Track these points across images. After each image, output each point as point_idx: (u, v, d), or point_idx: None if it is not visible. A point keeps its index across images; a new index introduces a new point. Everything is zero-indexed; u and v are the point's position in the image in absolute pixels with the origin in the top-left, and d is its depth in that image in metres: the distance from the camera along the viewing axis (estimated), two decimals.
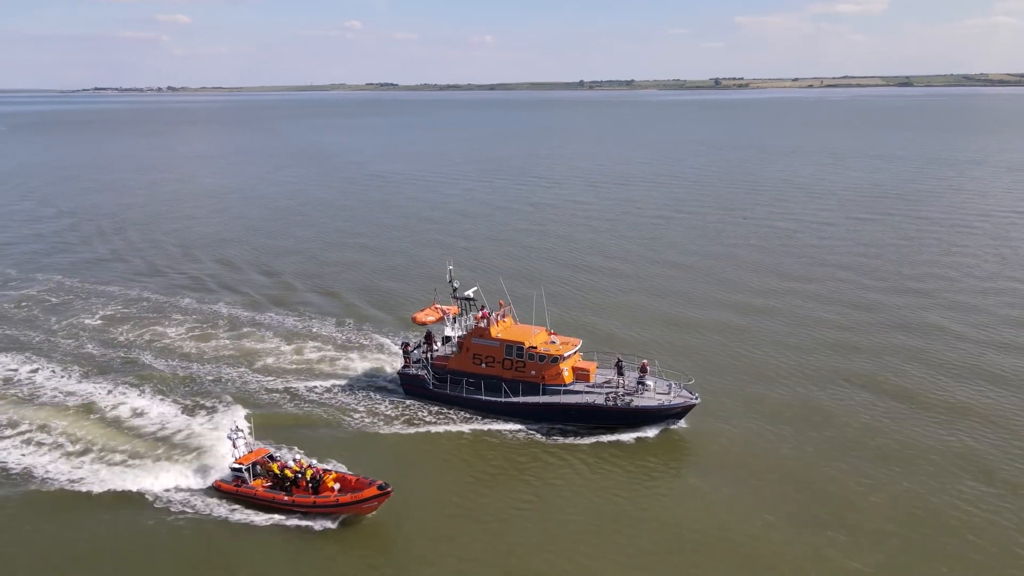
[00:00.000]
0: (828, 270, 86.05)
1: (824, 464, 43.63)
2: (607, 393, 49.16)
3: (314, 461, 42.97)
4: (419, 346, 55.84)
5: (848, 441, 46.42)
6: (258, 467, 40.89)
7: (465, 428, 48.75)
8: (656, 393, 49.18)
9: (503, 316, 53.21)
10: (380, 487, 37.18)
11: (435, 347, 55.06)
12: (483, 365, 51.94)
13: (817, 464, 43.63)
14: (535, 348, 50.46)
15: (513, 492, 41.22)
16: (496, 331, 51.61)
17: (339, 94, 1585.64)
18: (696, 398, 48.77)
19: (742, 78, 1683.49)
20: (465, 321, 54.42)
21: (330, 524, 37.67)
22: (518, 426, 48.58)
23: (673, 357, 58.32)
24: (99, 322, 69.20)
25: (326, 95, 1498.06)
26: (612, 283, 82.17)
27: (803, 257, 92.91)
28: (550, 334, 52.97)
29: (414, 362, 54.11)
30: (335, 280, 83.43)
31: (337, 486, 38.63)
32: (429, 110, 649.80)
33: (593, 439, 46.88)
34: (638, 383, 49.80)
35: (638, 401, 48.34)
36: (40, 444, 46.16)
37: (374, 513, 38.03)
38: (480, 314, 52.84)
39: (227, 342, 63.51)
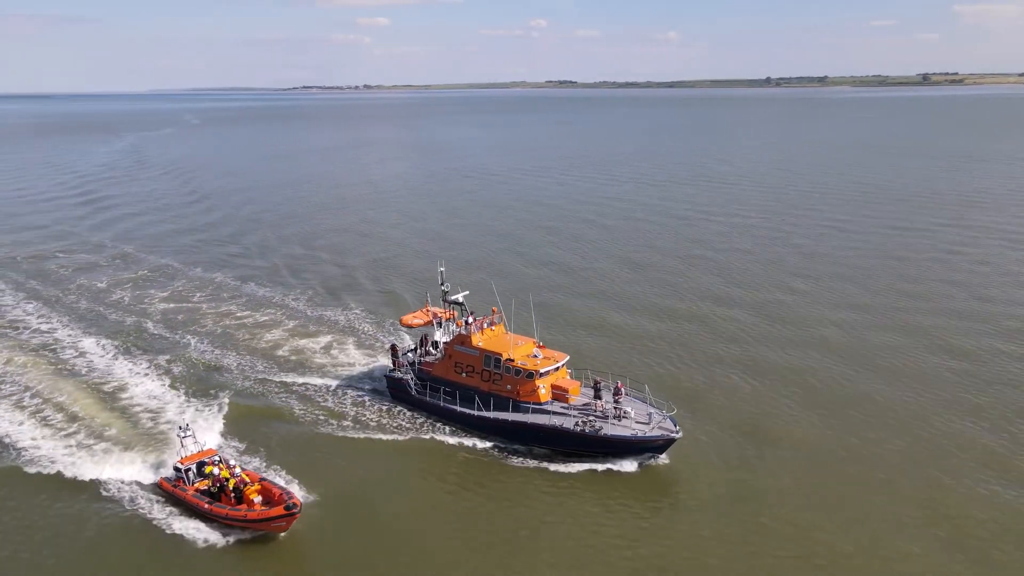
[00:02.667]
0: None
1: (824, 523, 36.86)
2: (580, 417, 44.88)
3: (258, 467, 42.42)
4: (414, 349, 54.45)
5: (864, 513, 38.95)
6: (204, 468, 40.33)
7: (437, 440, 46.22)
8: (635, 421, 44.11)
9: (491, 324, 50.31)
10: (287, 508, 35.42)
11: (432, 351, 53.38)
12: (463, 374, 49.23)
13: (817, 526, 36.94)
14: (512, 361, 46.89)
15: (454, 521, 38.21)
16: (477, 339, 48.64)
17: (519, 91, 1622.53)
18: (677, 432, 43.06)
19: (956, 73, 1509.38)
20: (452, 326, 52.13)
21: (246, 536, 36.51)
22: (492, 444, 45.33)
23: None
24: (164, 302, 74.34)
25: (506, 92, 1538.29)
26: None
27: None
28: (539, 347, 49.30)
29: (407, 365, 52.83)
30: (381, 269, 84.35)
31: (258, 499, 37.40)
32: (596, 107, 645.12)
33: (565, 466, 42.49)
34: (615, 407, 45.03)
35: (610, 429, 43.53)
36: (28, 412, 49.71)
37: (284, 534, 36.43)
38: (468, 320, 50.31)
39: (268, 332, 65.32)
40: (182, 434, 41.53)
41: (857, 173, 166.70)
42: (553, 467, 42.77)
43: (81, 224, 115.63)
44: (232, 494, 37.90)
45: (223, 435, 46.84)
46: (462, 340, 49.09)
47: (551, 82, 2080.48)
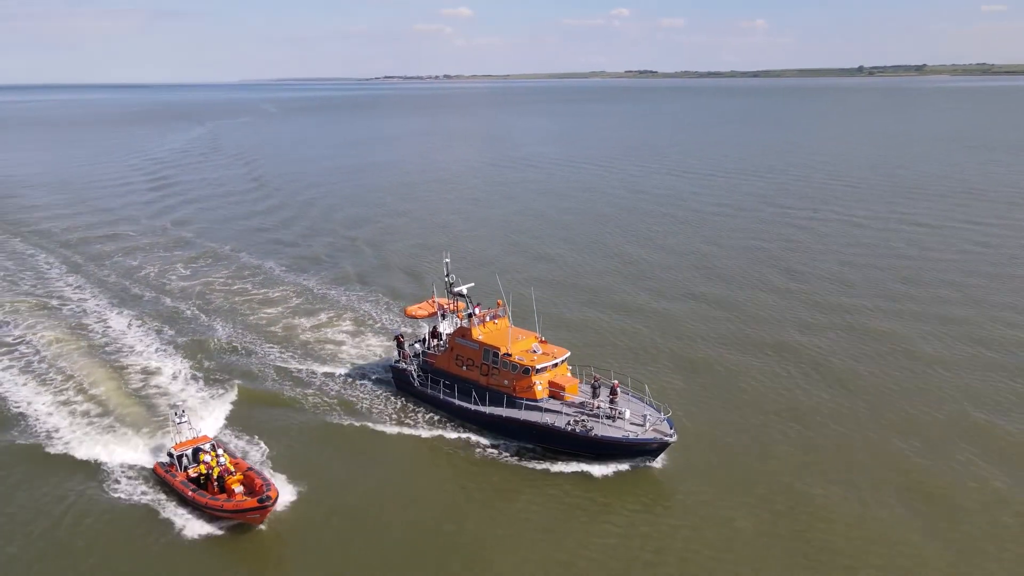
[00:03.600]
0: None
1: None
2: (574, 416, 43.41)
3: (253, 454, 42.63)
4: (423, 340, 53.99)
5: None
6: (199, 455, 40.36)
7: (435, 434, 45.37)
8: (630, 422, 42.37)
9: (494, 317, 49.26)
10: (260, 500, 35.22)
11: (438, 343, 52.80)
12: (464, 367, 48.42)
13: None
14: (509, 355, 45.78)
15: (437, 517, 37.28)
16: (477, 332, 47.70)
17: (597, 81, 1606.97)
18: (672, 435, 41.08)
19: None
20: (456, 319, 51.30)
21: (229, 525, 36.32)
22: (489, 439, 44.32)
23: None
24: (203, 285, 76.08)
25: (583, 82, 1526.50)
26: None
27: None
28: (540, 342, 48.01)
29: (412, 356, 52.48)
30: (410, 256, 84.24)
31: (240, 488, 37.35)
32: (674, 97, 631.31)
33: (555, 466, 41.12)
34: (610, 407, 43.37)
35: (602, 429, 41.86)
36: (45, 385, 51.73)
37: (262, 525, 36.20)
38: (470, 312, 49.44)
39: (293, 319, 66.18)
40: (177, 420, 41.88)
41: (934, 167, 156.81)
42: (543, 466, 41.51)
43: (145, 208, 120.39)
44: (215, 483, 38.04)
45: (227, 420, 47.28)
46: (463, 333, 48.28)
47: (631, 72, 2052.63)
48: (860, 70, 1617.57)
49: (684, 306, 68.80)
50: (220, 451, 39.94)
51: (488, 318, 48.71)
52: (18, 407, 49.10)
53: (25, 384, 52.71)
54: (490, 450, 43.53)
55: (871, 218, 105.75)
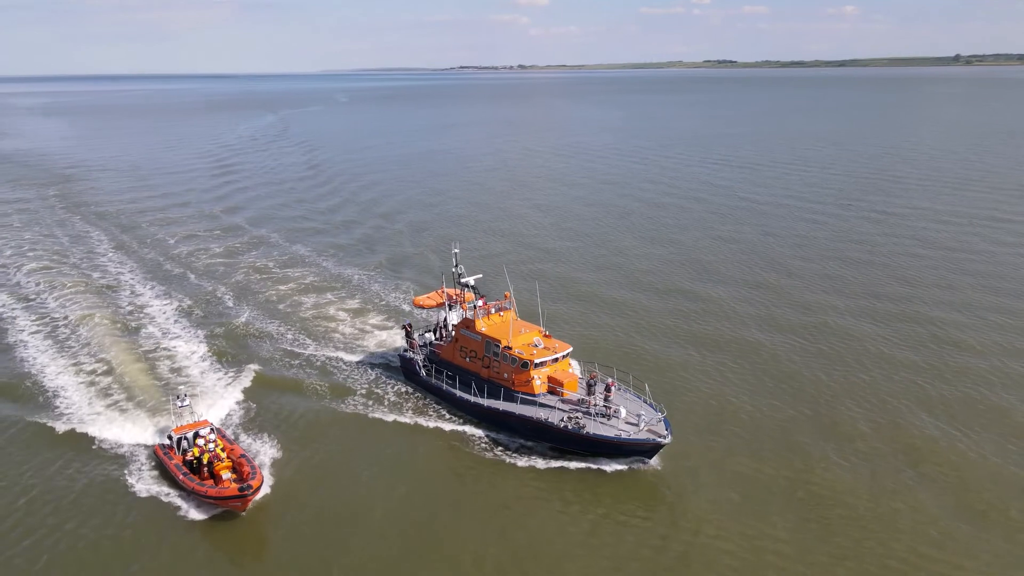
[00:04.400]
0: None
1: None
2: (569, 412, 42.13)
3: (255, 439, 42.77)
4: (433, 329, 53.58)
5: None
6: (196, 439, 40.48)
7: (434, 426, 44.77)
8: (625, 421, 40.83)
9: (499, 309, 48.31)
10: (240, 489, 35.21)
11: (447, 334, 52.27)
12: (467, 359, 47.60)
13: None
14: (510, 349, 44.74)
15: (425, 509, 36.75)
16: (481, 325, 46.78)
17: (673, 71, 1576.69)
18: (666, 436, 39.25)
19: None
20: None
21: (217, 511, 36.48)
22: (489, 434, 43.37)
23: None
24: (243, 271, 77.54)
25: (659, 72, 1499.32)
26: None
27: None
28: (544, 336, 46.82)
29: (421, 346, 52.18)
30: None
31: (228, 475, 37.43)
32: (753, 87, 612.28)
33: (547, 463, 40.02)
34: (605, 405, 41.89)
35: (595, 427, 40.47)
36: (70, 360, 53.53)
37: (244, 513, 36.19)
38: (476, 304, 48.70)
39: (320, 307, 66.67)
40: (179, 404, 42.40)
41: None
42: (541, 463, 40.38)
43: (202, 193, 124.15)
44: (205, 468, 38.22)
45: (237, 404, 47.72)
46: (467, 324, 47.52)
47: (709, 62, 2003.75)
48: (956, 59, 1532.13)
49: (690, 303, 66.26)
50: (214, 436, 40.12)
51: (493, 310, 47.84)
52: (40, 378, 51.16)
53: (51, 355, 55.00)
54: (487, 445, 42.59)
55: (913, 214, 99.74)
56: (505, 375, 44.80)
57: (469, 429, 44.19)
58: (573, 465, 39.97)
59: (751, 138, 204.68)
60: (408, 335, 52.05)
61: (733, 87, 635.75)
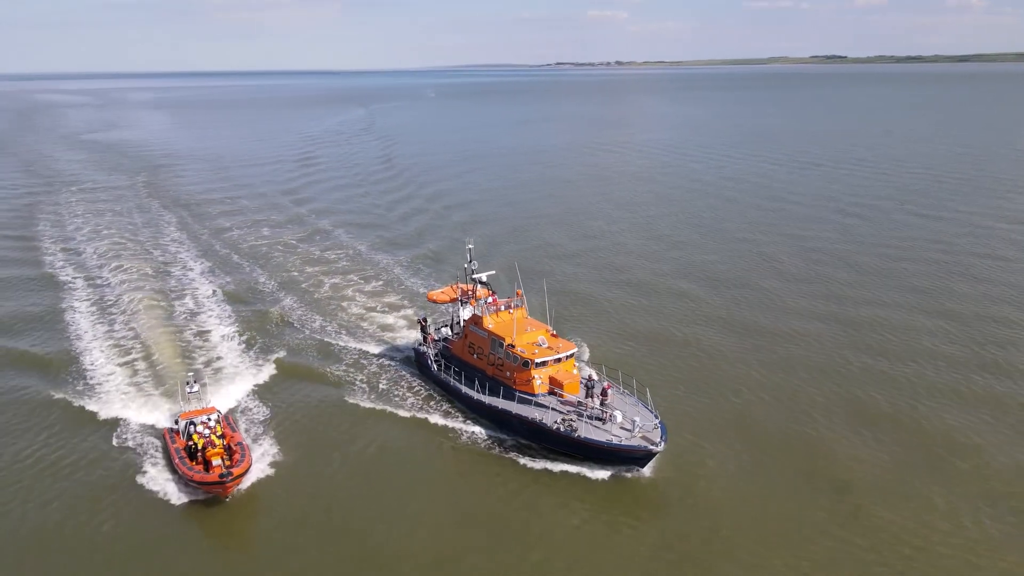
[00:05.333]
0: None
1: None
2: (565, 414, 40.78)
3: (262, 426, 43.41)
4: (450, 324, 53.13)
5: None
6: (198, 425, 40.76)
7: (437, 422, 44.23)
8: (620, 426, 39.14)
9: (509, 307, 47.30)
10: (221, 476, 35.80)
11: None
12: (475, 355, 47.00)
13: None
14: (512, 347, 43.81)
15: (414, 504, 36.47)
16: (488, 321, 46.04)
17: (777, 68, 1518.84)
18: (659, 445, 37.41)
19: None
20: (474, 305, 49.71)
21: (200, 497, 37.01)
22: (493, 432, 42.55)
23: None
24: (295, 260, 79.50)
25: (761, 69, 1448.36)
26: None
27: None
28: (552, 336, 45.55)
29: (436, 340, 51.89)
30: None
31: (218, 461, 37.69)
32: (865, 83, 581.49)
33: (544, 464, 39.07)
34: (600, 408, 40.37)
35: (588, 431, 38.99)
36: (108, 336, 56.47)
37: (228, 498, 36.62)
38: (486, 300, 47.96)
39: (358, 298, 67.20)
40: (188, 389, 43.33)
41: None
42: (538, 464, 39.39)
43: (274, 183, 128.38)
44: (199, 452, 38.67)
45: (255, 388, 48.70)
46: (476, 320, 46.90)
47: (816, 57, 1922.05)
48: None
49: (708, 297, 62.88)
50: (213, 424, 40.61)
51: (503, 307, 46.96)
52: (76, 350, 54.10)
53: (93, 327, 58.31)
54: (488, 444, 41.76)
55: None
56: (508, 373, 43.97)
57: (472, 427, 43.46)
58: (573, 469, 38.68)
59: (837, 136, 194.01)
60: (423, 329, 51.84)
61: (843, 83, 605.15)
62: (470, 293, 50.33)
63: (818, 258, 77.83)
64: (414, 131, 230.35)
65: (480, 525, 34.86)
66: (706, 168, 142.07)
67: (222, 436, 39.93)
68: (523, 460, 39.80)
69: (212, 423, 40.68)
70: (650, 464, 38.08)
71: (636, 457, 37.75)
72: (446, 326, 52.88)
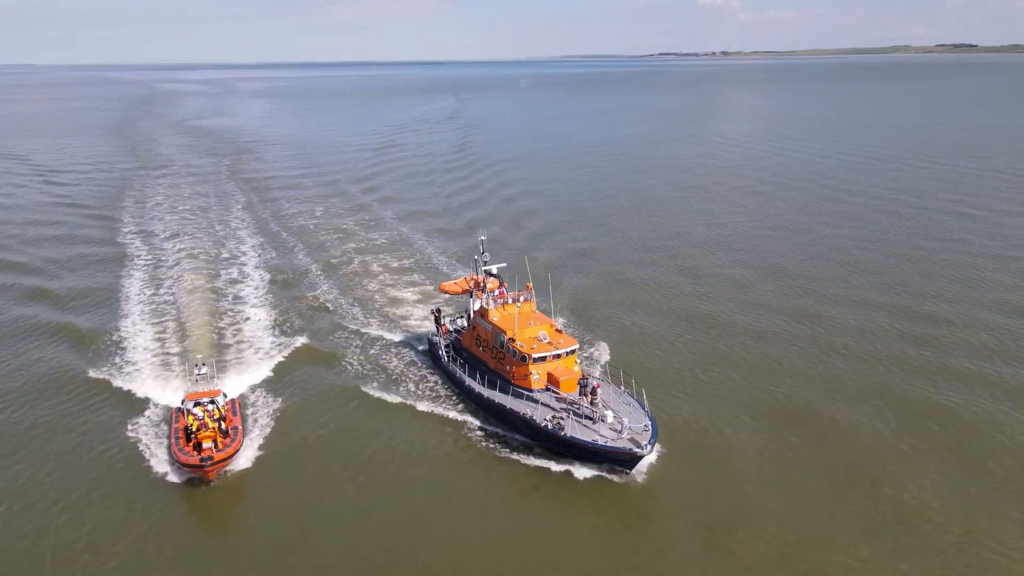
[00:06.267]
0: None
1: None
2: (557, 411, 39.66)
3: (267, 408, 44.13)
4: (465, 315, 52.73)
5: None
6: (196, 407, 41.43)
7: (439, 413, 43.96)
8: (610, 427, 37.73)
9: (516, 300, 46.37)
10: (201, 460, 36.35)
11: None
12: (480, 348, 46.43)
13: None
14: (513, 341, 42.94)
15: (398, 494, 36.38)
16: (493, 315, 45.20)
17: (898, 57, 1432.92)
18: (645, 448, 35.81)
19: None
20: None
21: (187, 477, 37.76)
22: (491, 426, 41.90)
23: None
24: (347, 246, 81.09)
25: (880, 59, 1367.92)
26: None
27: None
28: (557, 332, 44.40)
29: (450, 331, 51.62)
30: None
31: (209, 444, 38.29)
32: (980, 73, 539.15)
33: (539, 461, 38.28)
34: (591, 407, 39.16)
35: (576, 430, 37.78)
36: (148, 312, 59.34)
37: (213, 481, 37.26)
38: (494, 292, 47.24)
39: (392, 288, 68.11)
40: (197, 371, 44.40)
41: None
42: (532, 462, 38.56)
43: (347, 169, 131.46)
44: (192, 434, 39.28)
45: (272, 372, 49.58)
46: (482, 313, 46.31)
47: (943, 46, 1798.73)
48: None
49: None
50: (212, 407, 41.13)
51: (510, 300, 46.16)
52: (118, 327, 56.92)
53: (140, 308, 61.14)
54: (486, 438, 41.06)
55: None
56: (508, 367, 43.25)
57: (474, 420, 42.83)
58: (563, 467, 37.73)
59: (922, 129, 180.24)
60: (436, 320, 51.73)
61: (972, 73, 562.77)
62: (482, 285, 49.79)
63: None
64: (496, 120, 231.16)
65: (469, 522, 34.39)
66: (789, 162, 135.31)
67: (222, 419, 40.51)
68: (517, 456, 38.96)
69: (211, 406, 41.23)
70: (635, 467, 36.60)
71: (623, 460, 36.40)
72: (461, 317, 52.56)
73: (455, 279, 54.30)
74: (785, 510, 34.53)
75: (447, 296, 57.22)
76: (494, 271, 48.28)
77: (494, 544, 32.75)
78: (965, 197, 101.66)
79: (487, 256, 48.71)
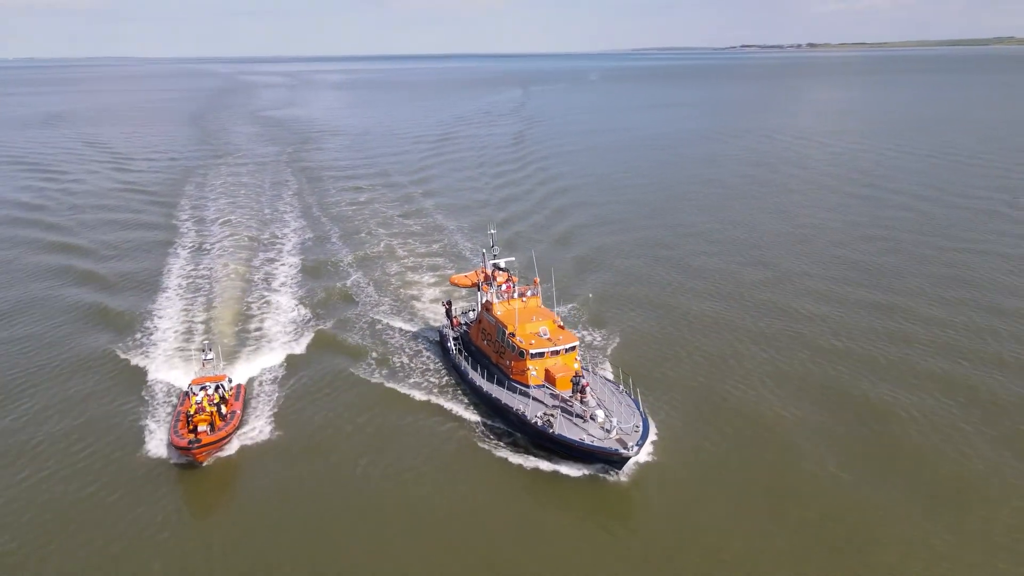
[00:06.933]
0: None
1: None
2: (549, 408, 38.99)
3: (274, 395, 44.68)
4: (475, 308, 52.45)
5: None
6: (197, 391, 42.12)
7: (442, 405, 43.74)
8: (601, 426, 36.82)
9: (522, 295, 45.70)
10: (189, 443, 37.03)
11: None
12: (485, 342, 46.14)
13: None
14: (513, 336, 42.39)
15: (394, 493, 35.96)
16: (497, 309, 44.73)
17: (1001, 49, 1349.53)
18: (631, 449, 34.82)
19: None
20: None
21: (181, 460, 38.45)
22: (492, 421, 41.50)
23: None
24: (384, 235, 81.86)
25: (980, 50, 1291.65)
26: None
27: None
28: (559, 328, 43.58)
29: (460, 324, 51.43)
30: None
31: (203, 427, 38.80)
32: None
33: (523, 460, 37.69)
34: (581, 405, 38.49)
35: (565, 427, 37.08)
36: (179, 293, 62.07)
37: (204, 464, 37.87)
38: (499, 286, 46.75)
39: (420, 278, 68.22)
40: (204, 355, 45.32)
41: None
42: (528, 460, 37.93)
43: (397, 159, 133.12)
44: (189, 418, 39.68)
45: (286, 358, 50.35)
46: (488, 307, 45.97)
47: None
48: None
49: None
50: (212, 392, 41.85)
51: (516, 294, 45.62)
52: (151, 308, 59.13)
53: (175, 290, 63.45)
54: (486, 435, 40.65)
55: None
56: (507, 362, 42.86)
57: (474, 416, 42.41)
58: (552, 467, 37.08)
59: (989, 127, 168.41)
60: (447, 312, 51.68)
61: None
62: (493, 278, 49.40)
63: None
64: (559, 113, 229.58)
65: (458, 517, 34.15)
66: (864, 162, 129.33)
67: (223, 403, 41.27)
68: (511, 454, 38.41)
69: (211, 390, 42.04)
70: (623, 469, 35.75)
71: (611, 460, 35.61)
72: (473, 310, 52.35)
73: (467, 272, 54.01)
74: (775, 514, 32.96)
75: (463, 289, 57.03)
76: (502, 264, 47.84)
77: (480, 539, 32.60)
78: None
79: (496, 249, 48.31)
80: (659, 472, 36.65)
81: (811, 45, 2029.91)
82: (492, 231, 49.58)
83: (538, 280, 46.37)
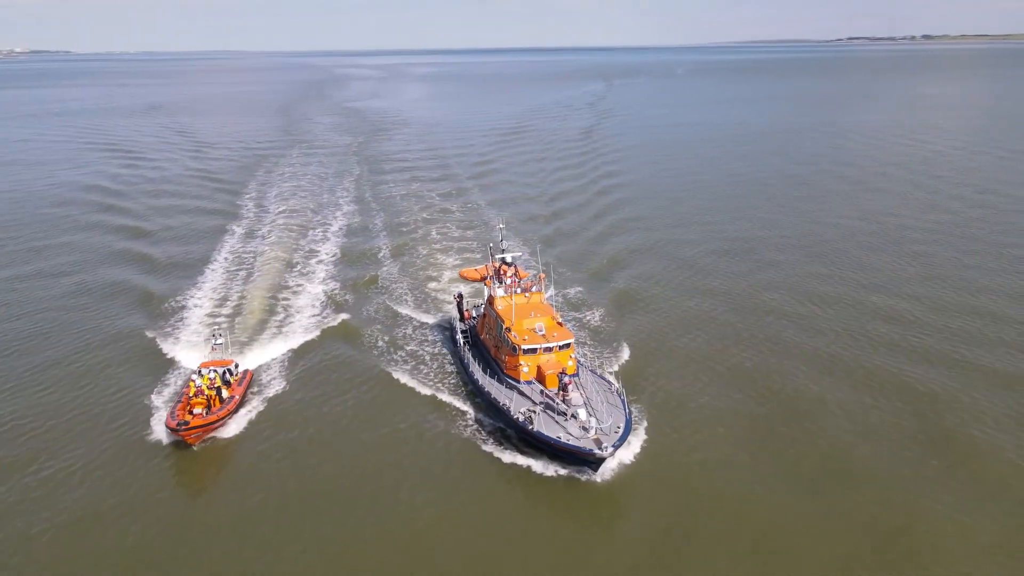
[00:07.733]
0: None
1: None
2: (533, 405, 38.13)
3: (281, 383, 45.26)
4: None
5: None
6: (200, 375, 43.08)
7: (442, 399, 43.36)
8: (582, 425, 35.91)
9: (524, 290, 44.55)
10: (178, 424, 37.80)
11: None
12: (487, 335, 45.67)
13: None
14: (509, 331, 41.52)
15: (386, 486, 35.94)
16: (499, 303, 43.90)
17: None
18: (606, 450, 33.82)
19: None
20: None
21: (174, 440, 39.27)
22: (480, 414, 41.10)
23: None
24: (423, 225, 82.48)
25: None
26: None
27: None
28: (558, 324, 42.35)
29: (472, 317, 50.82)
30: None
31: (199, 410, 39.54)
32: None
33: (511, 457, 37.06)
34: (563, 403, 37.53)
35: (544, 424, 36.32)
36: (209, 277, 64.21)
37: (195, 446, 38.68)
38: (504, 281, 45.78)
39: (447, 265, 68.27)
40: (214, 340, 46.34)
41: None
42: (517, 458, 37.26)
43: (471, 154, 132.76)
44: (189, 400, 40.75)
45: (301, 345, 50.96)
46: (491, 301, 45.28)
47: None
48: None
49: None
50: (213, 376, 42.55)
51: (519, 289, 44.60)
52: (188, 295, 60.85)
53: (216, 276, 65.29)
54: (480, 429, 40.17)
55: None
56: (503, 356, 42.27)
57: (473, 410, 41.87)
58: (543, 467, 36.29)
59: None
60: (459, 305, 51.19)
61: None
62: (502, 273, 48.49)
63: None
64: (635, 107, 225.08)
65: (441, 512, 33.99)
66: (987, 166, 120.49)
67: (226, 387, 42.04)
68: (500, 449, 37.98)
69: (213, 375, 42.76)
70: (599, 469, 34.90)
71: (587, 460, 34.69)
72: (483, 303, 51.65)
73: (477, 266, 53.31)
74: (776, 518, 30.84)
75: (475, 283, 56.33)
76: (509, 259, 46.95)
77: (462, 533, 32.48)
78: None
79: (504, 244, 47.43)
80: (646, 474, 35.41)
81: (927, 37, 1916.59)
82: (501, 225, 48.79)
83: (544, 276, 45.11)
